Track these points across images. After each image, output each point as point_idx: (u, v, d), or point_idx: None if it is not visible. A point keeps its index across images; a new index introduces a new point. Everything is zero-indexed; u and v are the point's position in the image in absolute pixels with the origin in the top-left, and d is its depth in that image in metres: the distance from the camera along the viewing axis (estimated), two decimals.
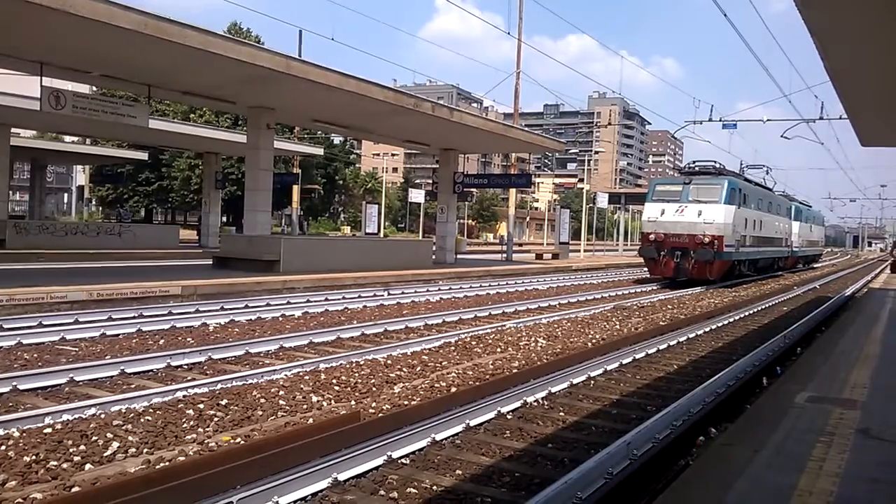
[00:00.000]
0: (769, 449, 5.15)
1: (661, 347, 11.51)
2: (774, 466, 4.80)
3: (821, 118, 29.85)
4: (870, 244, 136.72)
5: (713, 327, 14.25)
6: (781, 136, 33.05)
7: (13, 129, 32.40)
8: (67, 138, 49.45)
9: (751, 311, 17.51)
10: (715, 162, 27.39)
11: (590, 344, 11.34)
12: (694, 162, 28.36)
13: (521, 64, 33.38)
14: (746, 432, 5.68)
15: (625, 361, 10.12)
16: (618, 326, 13.55)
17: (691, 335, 12.96)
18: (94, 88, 35.30)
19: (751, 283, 28.53)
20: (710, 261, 24.15)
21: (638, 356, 10.56)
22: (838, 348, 10.25)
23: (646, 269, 27.39)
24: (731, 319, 15.68)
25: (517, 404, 7.37)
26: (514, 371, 8.88)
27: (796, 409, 6.38)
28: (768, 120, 33.45)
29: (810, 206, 50.74)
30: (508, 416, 7.04)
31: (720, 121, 32.88)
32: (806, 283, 30.64)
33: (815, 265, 51.94)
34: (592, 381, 8.88)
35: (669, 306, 17.78)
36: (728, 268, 25.81)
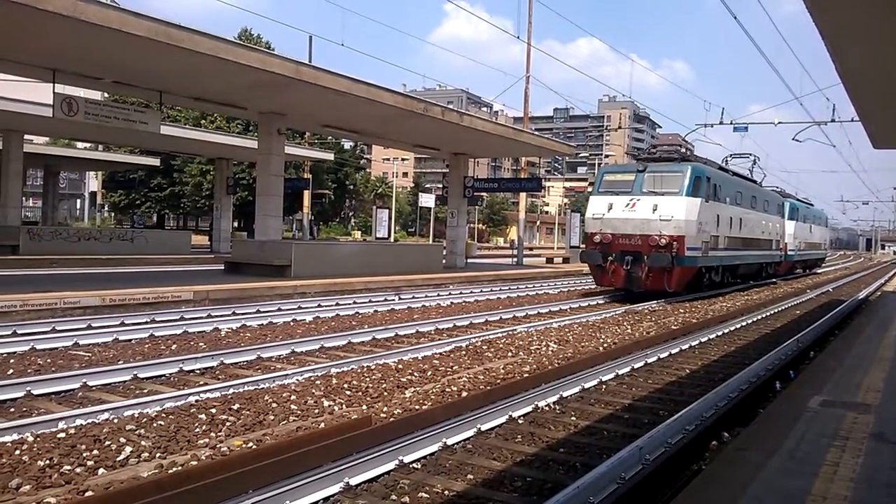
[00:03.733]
0: (782, 453, 5.13)
1: (674, 351, 11.46)
2: (788, 471, 4.77)
3: (832, 120, 29.73)
4: (883, 247, 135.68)
5: (725, 331, 14.18)
6: (793, 139, 32.87)
7: (26, 136, 32.63)
8: (80, 144, 49.72)
9: (763, 315, 17.42)
10: (680, 145, 22.49)
11: (601, 348, 11.31)
12: (655, 145, 23.68)
13: (531, 68, 33.38)
14: (760, 437, 5.65)
15: (637, 366, 10.08)
16: (629, 330, 13.51)
17: (703, 339, 12.90)
18: (106, 95, 35.53)
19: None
20: (668, 268, 19.02)
21: (650, 360, 10.52)
22: (852, 352, 10.19)
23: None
24: (744, 323, 15.59)
25: (528, 409, 7.35)
26: (526, 375, 8.86)
27: (810, 414, 6.34)
28: (779, 122, 32.89)
29: (810, 204, 46.01)
30: (520, 421, 7.03)
31: (731, 123, 32.76)
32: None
33: (818, 270, 46.97)
34: (604, 386, 8.85)
35: (681, 310, 17.70)
36: (692, 276, 20.49)
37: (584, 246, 24.36)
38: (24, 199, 42.74)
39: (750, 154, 33.00)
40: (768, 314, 17.83)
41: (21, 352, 9.43)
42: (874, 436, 5.68)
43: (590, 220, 20.74)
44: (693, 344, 12.35)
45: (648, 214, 19.41)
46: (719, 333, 13.80)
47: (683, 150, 22.47)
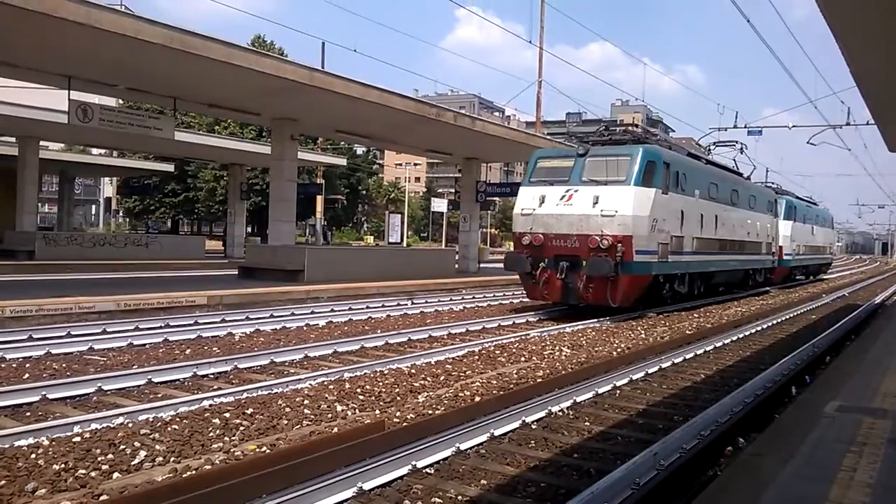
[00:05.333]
0: (799, 459, 5.08)
1: (688, 356, 11.40)
2: (804, 477, 4.73)
3: (847, 124, 29.52)
4: None
5: (740, 336, 14.09)
6: (808, 143, 32.69)
7: (42, 142, 32.91)
8: (95, 151, 50.17)
9: (779, 320, 17.30)
10: (638, 126, 18.32)
11: (615, 353, 11.26)
12: (608, 127, 18.66)
13: (543, 72, 33.40)
14: (775, 442, 5.60)
15: (651, 371, 10.03)
16: (643, 335, 13.44)
17: (718, 344, 12.83)
18: (121, 101, 35.79)
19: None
20: (611, 277, 15.00)
21: (664, 365, 10.47)
22: (868, 357, 10.10)
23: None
24: (759, 328, 15.49)
25: (542, 414, 7.33)
26: (539, 380, 8.83)
27: (826, 419, 6.28)
28: (794, 126, 32.66)
29: (813, 203, 41.28)
30: (533, 426, 7.00)
31: (745, 127, 32.58)
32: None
33: (824, 276, 41.92)
34: (618, 391, 8.81)
35: (695, 315, 17.61)
36: (645, 287, 16.38)
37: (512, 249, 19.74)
38: (39, 204, 43.10)
39: (735, 141, 27.47)
40: (784, 319, 17.70)
41: (37, 356, 9.50)
42: (891, 441, 5.62)
43: (518, 217, 16.63)
44: (708, 349, 12.27)
45: (587, 209, 15.38)
46: (734, 338, 13.72)
47: (642, 130, 18.16)
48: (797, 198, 35.39)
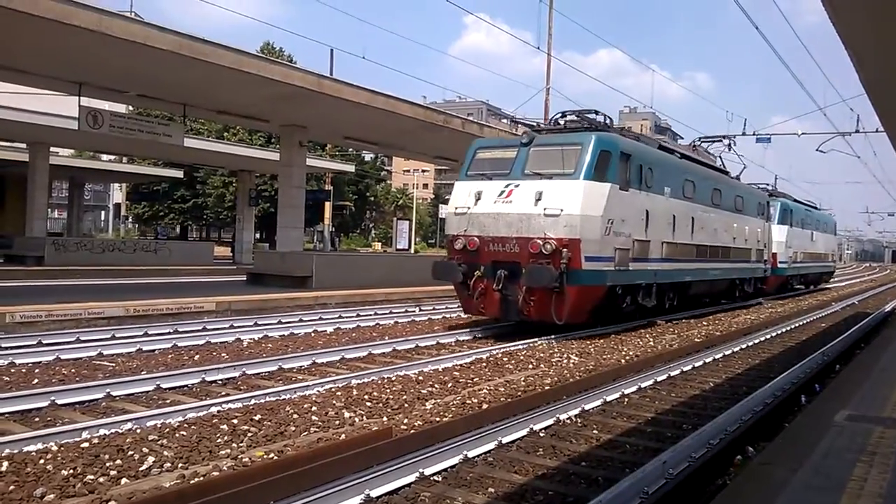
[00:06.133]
0: (808, 468, 5.05)
1: (697, 364, 11.35)
2: (814, 487, 4.70)
3: (857, 131, 29.36)
4: None
5: (749, 344, 14.02)
6: (817, 150, 32.52)
7: (52, 149, 33.12)
8: (104, 157, 50.46)
9: (788, 328, 17.22)
10: (596, 112, 15.49)
11: (623, 361, 11.23)
12: (564, 113, 15.78)
13: (551, 79, 33.40)
14: (785, 451, 5.57)
15: (659, 379, 9.99)
16: (651, 343, 13.40)
17: (727, 352, 12.78)
18: (131, 108, 36.02)
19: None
20: (555, 288, 12.67)
21: (673, 373, 10.43)
22: (879, 365, 10.04)
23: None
24: (768, 336, 15.42)
25: (550, 422, 7.31)
26: (547, 388, 8.81)
27: (836, 428, 6.24)
28: (803, 133, 32.52)
29: (814, 207, 38.21)
30: (541, 434, 6.99)
31: (754, 134, 32.49)
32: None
33: (827, 286, 39.29)
34: (626, 399, 8.78)
35: (704, 322, 17.55)
36: (598, 300, 13.93)
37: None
38: (49, 210, 43.32)
39: (723, 137, 25.00)
40: (793, 327, 17.62)
41: (46, 362, 9.52)
42: None
43: (451, 216, 14.35)
44: (717, 357, 12.22)
45: (529, 207, 13.05)
46: (743, 346, 13.66)
47: (603, 117, 15.52)
48: (795, 200, 32.76)
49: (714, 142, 25.40)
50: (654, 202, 15.47)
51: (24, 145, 33.07)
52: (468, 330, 13.85)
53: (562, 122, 15.37)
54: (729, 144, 25.21)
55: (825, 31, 8.82)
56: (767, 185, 30.34)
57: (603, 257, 13.35)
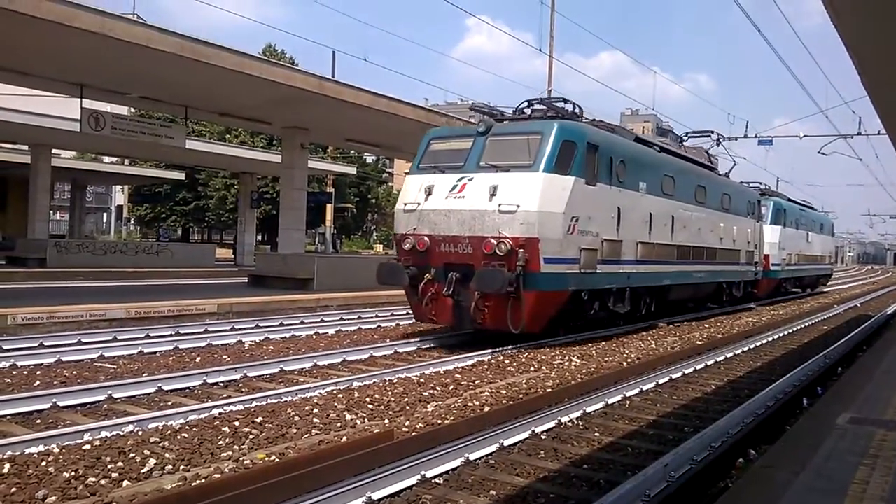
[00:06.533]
0: (810, 471, 5.04)
1: (699, 367, 11.35)
2: (816, 489, 4.69)
3: (859, 133, 29.40)
4: None
5: (751, 346, 14.01)
6: (819, 152, 32.54)
7: (54, 150, 33.16)
8: (107, 159, 50.57)
9: (790, 331, 17.21)
10: (564, 100, 14.21)
11: (625, 363, 11.22)
12: (531, 101, 14.19)
13: (553, 81, 33.40)
14: (786, 454, 5.56)
15: (661, 381, 9.99)
16: (653, 345, 13.39)
17: (729, 354, 12.76)
18: (133, 110, 36.09)
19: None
20: (511, 293, 11.42)
21: (675, 376, 10.42)
22: (881, 368, 10.02)
23: None
24: (770, 339, 15.41)
25: (551, 424, 7.30)
26: (548, 390, 8.81)
27: (838, 431, 6.24)
28: (805, 136, 32.49)
29: (809, 207, 36.13)
30: (543, 437, 6.98)
31: (755, 137, 32.50)
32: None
33: (825, 289, 37.96)
34: (628, 402, 8.77)
35: (706, 325, 17.54)
36: (560, 306, 12.70)
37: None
38: (51, 212, 43.37)
39: (710, 131, 23.46)
40: (795, 329, 17.60)
41: (47, 364, 9.53)
42: None
43: (400, 213, 13.02)
44: (718, 359, 12.21)
45: (483, 203, 11.83)
46: (745, 349, 13.64)
47: (572, 105, 14.13)
48: (789, 200, 31.43)
49: (701, 137, 24.02)
50: (627, 199, 14.25)
51: (26, 147, 33.11)
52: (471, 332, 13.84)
53: (528, 111, 13.89)
54: (717, 140, 23.88)
55: (827, 33, 8.81)
56: (760, 183, 29.07)
57: (566, 259, 12.17)
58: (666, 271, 16.40)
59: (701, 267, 18.62)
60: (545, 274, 11.71)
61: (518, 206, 11.51)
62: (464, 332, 13.26)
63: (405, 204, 12.79)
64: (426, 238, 12.27)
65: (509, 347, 11.75)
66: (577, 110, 14.11)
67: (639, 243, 14.74)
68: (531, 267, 11.48)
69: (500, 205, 11.62)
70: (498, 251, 11.41)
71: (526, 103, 14.02)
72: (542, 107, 13.86)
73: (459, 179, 12.26)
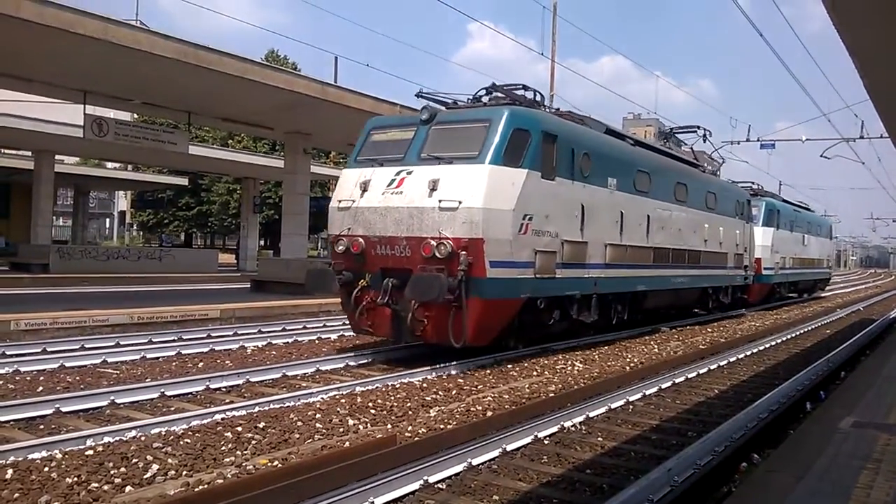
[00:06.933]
0: (813, 475, 5.03)
1: (702, 371, 11.33)
2: (819, 494, 4.68)
3: (861, 137, 29.34)
4: None
5: (754, 351, 13.99)
6: (821, 156, 32.51)
7: (57, 156, 33.23)
8: (109, 165, 50.67)
9: (793, 335, 17.17)
10: (525, 86, 12.88)
11: (628, 368, 11.21)
12: (489, 89, 12.75)
13: (555, 86, 33.43)
14: (790, 458, 5.56)
15: (664, 386, 9.97)
16: (656, 350, 13.38)
17: (732, 358, 12.74)
18: (136, 116, 36.16)
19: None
20: (452, 302, 10.16)
21: (677, 380, 10.40)
22: (883, 372, 10.01)
23: None
24: (773, 343, 15.38)
25: (554, 429, 7.29)
26: (551, 395, 8.81)
27: (841, 435, 6.22)
28: (807, 139, 32.49)
29: (805, 208, 34.91)
30: (546, 441, 6.97)
31: (758, 140, 32.48)
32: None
33: (823, 294, 36.77)
34: (631, 406, 8.76)
35: (709, 329, 17.51)
36: (511, 316, 11.34)
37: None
38: (54, 218, 43.45)
39: (697, 126, 21.94)
40: (798, 333, 17.57)
41: (50, 369, 9.54)
42: None
43: (334, 212, 11.65)
44: (721, 364, 12.20)
45: (422, 199, 10.55)
46: (748, 353, 13.62)
47: (533, 93, 12.89)
48: (784, 200, 30.31)
49: (687, 132, 22.73)
50: (593, 196, 12.90)
51: (29, 153, 33.20)
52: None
53: (485, 99, 12.62)
54: (704, 136, 22.25)
55: (829, 38, 8.82)
56: (752, 183, 27.87)
57: (517, 262, 10.84)
58: (641, 276, 15.07)
59: (682, 271, 17.22)
60: (492, 280, 10.37)
61: (460, 202, 10.19)
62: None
63: (339, 201, 11.49)
64: (361, 240, 11.01)
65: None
66: (538, 98, 12.96)
67: (608, 245, 13.43)
68: (475, 272, 10.17)
69: (440, 201, 10.31)
70: (437, 254, 10.15)
71: (483, 91, 12.72)
72: (500, 95, 12.58)
73: (398, 173, 10.97)
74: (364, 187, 11.15)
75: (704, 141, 22.44)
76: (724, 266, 20.23)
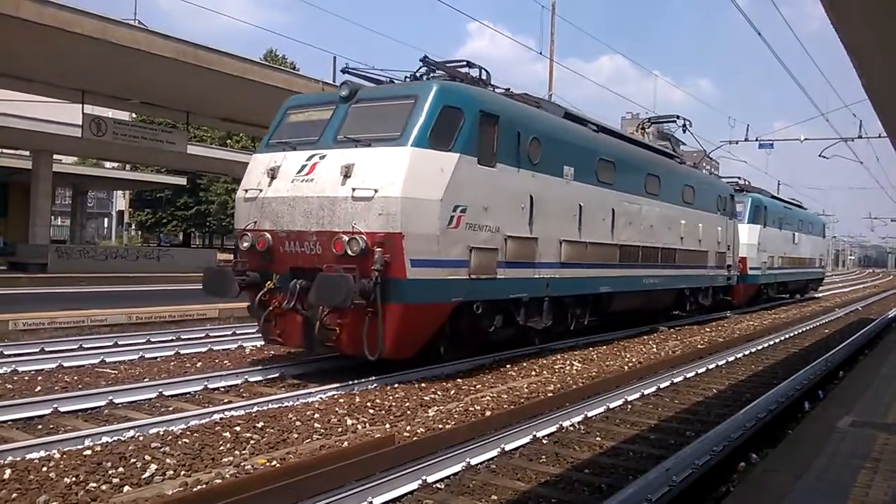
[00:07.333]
0: (811, 475, 5.04)
1: (700, 371, 11.33)
2: (817, 493, 4.68)
3: (859, 137, 29.34)
4: None
5: (752, 350, 13.99)
6: (819, 156, 32.54)
7: (55, 156, 33.19)
8: (108, 164, 50.65)
9: (792, 334, 17.18)
10: (469, 63, 11.64)
11: (626, 367, 11.21)
12: (430, 67, 11.26)
13: (554, 86, 33.41)
14: (788, 458, 5.56)
15: (662, 385, 9.97)
16: (654, 350, 13.38)
17: (731, 358, 12.74)
18: (134, 115, 36.15)
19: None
20: (367, 308, 8.79)
21: (676, 380, 10.40)
22: (882, 372, 10.02)
23: None
24: (772, 342, 15.39)
25: (553, 429, 7.29)
26: (550, 395, 8.80)
27: (839, 434, 6.23)
28: (805, 139, 32.50)
29: (797, 205, 33.32)
30: (544, 441, 6.97)
31: (756, 140, 32.49)
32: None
33: (816, 294, 35.18)
34: (629, 406, 8.76)
35: (707, 329, 17.52)
36: (440, 324, 9.91)
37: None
38: (52, 217, 43.39)
39: (676, 116, 20.97)
40: (796, 333, 17.58)
41: (48, 369, 9.53)
42: None
43: (240, 203, 10.39)
44: (720, 363, 12.20)
45: (334, 188, 9.15)
46: (746, 352, 13.63)
47: (478, 71, 11.65)
48: (773, 197, 28.86)
49: (667, 122, 21.49)
50: (544, 186, 11.52)
51: (27, 153, 33.16)
52: None
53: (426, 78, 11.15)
54: (684, 126, 21.03)
55: (828, 37, 8.82)
56: (739, 178, 26.88)
57: (446, 261, 9.38)
58: (605, 276, 13.59)
59: (655, 271, 15.84)
60: (414, 281, 8.97)
61: (376, 190, 8.81)
62: None
63: (245, 191, 10.14)
64: (267, 235, 9.62)
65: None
66: (483, 76, 11.63)
67: (563, 242, 12.05)
68: (393, 272, 8.78)
69: (353, 190, 8.92)
70: (349, 251, 8.76)
71: (426, 69, 11.19)
72: (441, 73, 11.21)
73: (309, 158, 9.58)
74: (272, 174, 9.79)
75: (684, 131, 21.39)
76: (703, 265, 18.89)
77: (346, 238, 8.80)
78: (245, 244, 9.89)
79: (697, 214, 18.23)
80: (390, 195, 8.77)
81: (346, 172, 9.03)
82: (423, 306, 9.28)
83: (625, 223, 14.24)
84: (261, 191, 9.86)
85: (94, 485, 5.21)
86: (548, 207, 11.56)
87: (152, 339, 12.13)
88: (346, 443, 6.49)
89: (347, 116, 9.86)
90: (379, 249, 8.67)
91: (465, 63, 11.62)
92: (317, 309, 8.96)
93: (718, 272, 20.02)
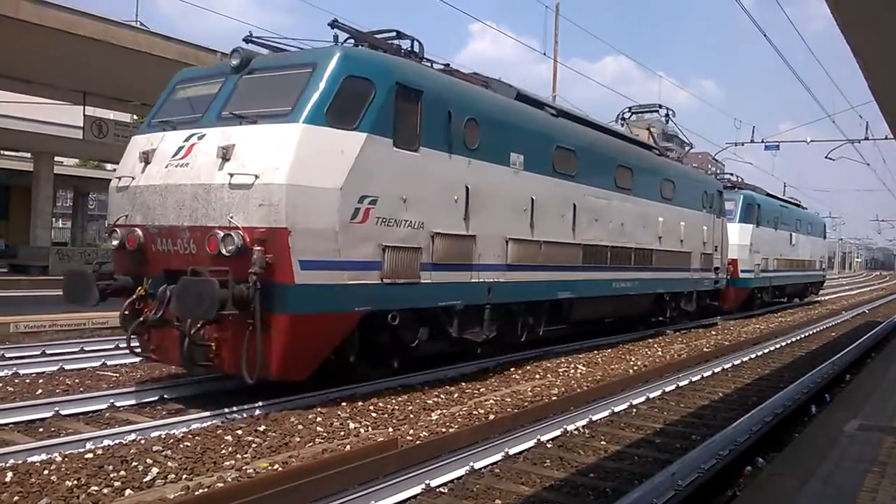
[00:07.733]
0: (818, 479, 4.98)
1: (706, 374, 11.27)
2: (824, 498, 4.63)
3: (866, 138, 29.32)
4: None
5: (759, 354, 13.93)
6: (826, 158, 32.49)
7: (56, 158, 33.20)
8: (109, 166, 50.63)
9: (798, 337, 17.11)
10: (399, 33, 10.18)
11: (631, 371, 11.16)
12: (334, 24, 9.56)
13: (558, 86, 33.39)
14: (794, 462, 5.51)
15: (668, 389, 9.92)
16: (660, 353, 13.32)
17: (736, 361, 12.69)
18: (136, 117, 36.12)
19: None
20: (248, 320, 7.20)
21: (681, 383, 10.35)
22: (889, 375, 9.96)
23: None
24: (778, 345, 15.32)
25: (557, 432, 7.24)
26: (554, 398, 8.75)
27: (846, 438, 6.18)
28: (812, 141, 32.48)
29: (795, 204, 31.97)
30: (548, 445, 6.92)
31: (762, 142, 32.47)
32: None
33: (816, 298, 33.67)
34: (634, 409, 8.70)
35: (713, 332, 17.45)
36: (342, 338, 8.24)
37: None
38: (53, 220, 43.40)
39: (658, 106, 19.87)
40: (803, 336, 17.51)
41: (50, 372, 9.49)
42: None
43: (113, 193, 8.90)
44: (726, 366, 12.14)
45: (211, 173, 7.74)
46: (753, 356, 13.56)
47: (411, 44, 10.17)
48: (768, 195, 26.99)
49: (649, 112, 20.41)
50: (485, 175, 10.02)
51: (28, 155, 33.18)
52: None
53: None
54: (667, 115, 19.74)
55: (833, 38, 8.78)
56: (731, 174, 25.45)
57: (348, 262, 7.94)
58: (564, 280, 12.07)
59: (627, 274, 14.27)
60: (305, 287, 7.53)
61: (256, 176, 7.39)
62: None
63: (118, 179, 8.67)
64: (138, 231, 8.16)
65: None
66: (415, 47, 10.14)
67: (510, 240, 10.59)
68: (277, 275, 7.37)
69: (231, 175, 7.50)
70: (224, 250, 7.31)
71: (347, 38, 9.60)
72: (364, 46, 9.54)
73: (187, 138, 8.13)
74: (146, 159, 8.31)
75: (667, 121, 20.30)
76: (686, 268, 17.20)
77: (220, 234, 7.36)
78: (115, 242, 8.40)
79: (679, 212, 16.62)
80: (273, 182, 7.35)
81: (225, 155, 7.61)
82: (317, 317, 7.74)
83: (589, 220, 12.76)
84: (133, 178, 8.39)
85: (96, 488, 5.17)
86: (489, 200, 10.10)
87: None
88: (348, 446, 6.45)
89: (236, 89, 8.42)
90: (259, 248, 7.25)
91: (393, 34, 10.13)
92: (187, 321, 7.42)
93: (704, 275, 18.34)
